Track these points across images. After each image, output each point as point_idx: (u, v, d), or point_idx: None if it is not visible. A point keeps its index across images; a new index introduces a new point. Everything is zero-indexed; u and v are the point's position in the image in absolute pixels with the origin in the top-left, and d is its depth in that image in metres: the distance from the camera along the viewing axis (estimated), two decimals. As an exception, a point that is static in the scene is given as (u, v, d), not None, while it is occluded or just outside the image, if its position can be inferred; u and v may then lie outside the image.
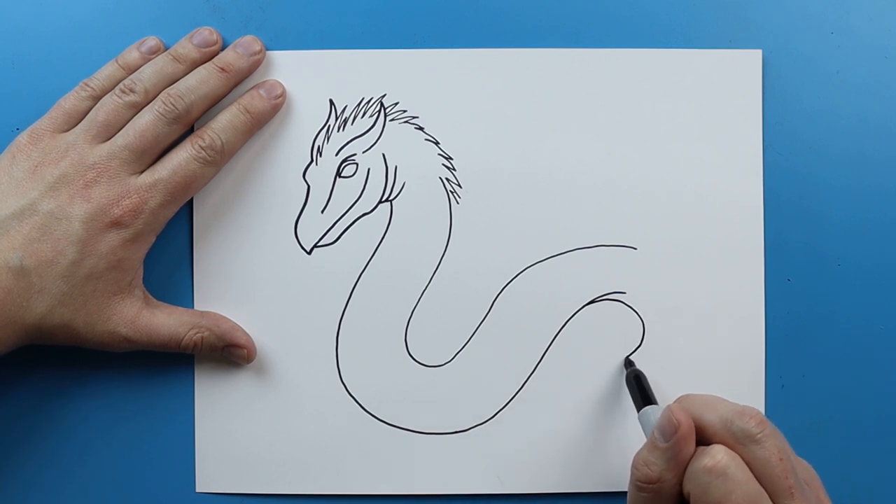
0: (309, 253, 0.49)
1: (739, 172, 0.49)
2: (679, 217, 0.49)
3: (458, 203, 0.49)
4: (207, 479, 0.49)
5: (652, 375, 0.48)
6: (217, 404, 0.49)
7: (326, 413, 0.49)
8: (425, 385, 0.49)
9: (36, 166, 0.45)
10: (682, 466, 0.39)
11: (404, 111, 0.49)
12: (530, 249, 0.49)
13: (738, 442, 0.38)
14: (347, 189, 0.49)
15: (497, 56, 0.49)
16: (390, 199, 0.49)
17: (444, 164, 0.49)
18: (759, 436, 0.38)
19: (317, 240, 0.49)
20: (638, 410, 0.44)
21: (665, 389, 0.49)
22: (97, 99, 0.46)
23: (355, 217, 0.49)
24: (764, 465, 0.38)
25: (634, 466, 0.39)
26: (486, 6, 0.49)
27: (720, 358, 0.49)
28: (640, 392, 0.45)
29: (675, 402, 0.42)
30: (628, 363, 0.48)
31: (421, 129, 0.49)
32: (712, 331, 0.49)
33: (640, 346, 0.49)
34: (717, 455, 0.37)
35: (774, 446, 0.38)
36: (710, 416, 0.40)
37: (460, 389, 0.49)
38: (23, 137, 0.46)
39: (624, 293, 0.49)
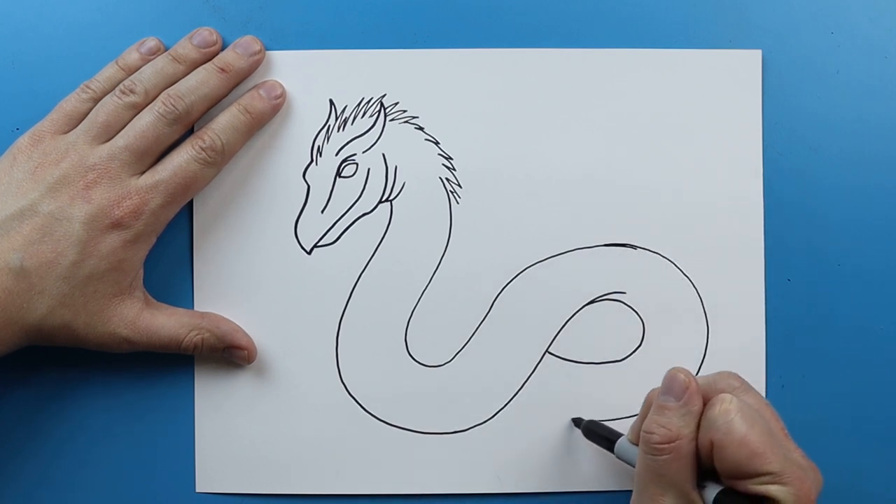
0: (309, 253, 0.49)
1: (739, 172, 0.49)
2: (679, 217, 0.49)
3: (458, 203, 0.49)
4: (207, 479, 0.49)
5: (652, 375, 0.48)
6: (217, 404, 0.49)
7: (326, 413, 0.49)
8: (425, 385, 0.49)
9: (36, 167, 0.45)
10: (696, 420, 0.40)
11: (404, 111, 0.49)
12: (530, 249, 0.49)
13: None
14: (347, 189, 0.49)
15: (497, 56, 0.49)
16: (390, 199, 0.49)
17: (444, 164, 0.49)
18: (742, 387, 0.41)
19: (317, 240, 0.49)
20: (611, 449, 0.45)
21: (665, 389, 0.49)
22: (98, 101, 0.46)
23: (355, 217, 0.49)
24: (759, 411, 0.40)
25: (647, 432, 0.40)
26: (486, 6, 0.49)
27: (720, 358, 0.49)
28: (603, 434, 0.46)
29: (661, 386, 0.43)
30: (576, 421, 0.48)
31: (421, 129, 0.49)
32: (712, 331, 0.49)
33: (640, 346, 0.49)
34: (727, 398, 0.39)
35: (757, 396, 0.42)
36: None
37: (460, 389, 0.49)
38: (23, 139, 0.46)
39: (624, 293, 0.49)
